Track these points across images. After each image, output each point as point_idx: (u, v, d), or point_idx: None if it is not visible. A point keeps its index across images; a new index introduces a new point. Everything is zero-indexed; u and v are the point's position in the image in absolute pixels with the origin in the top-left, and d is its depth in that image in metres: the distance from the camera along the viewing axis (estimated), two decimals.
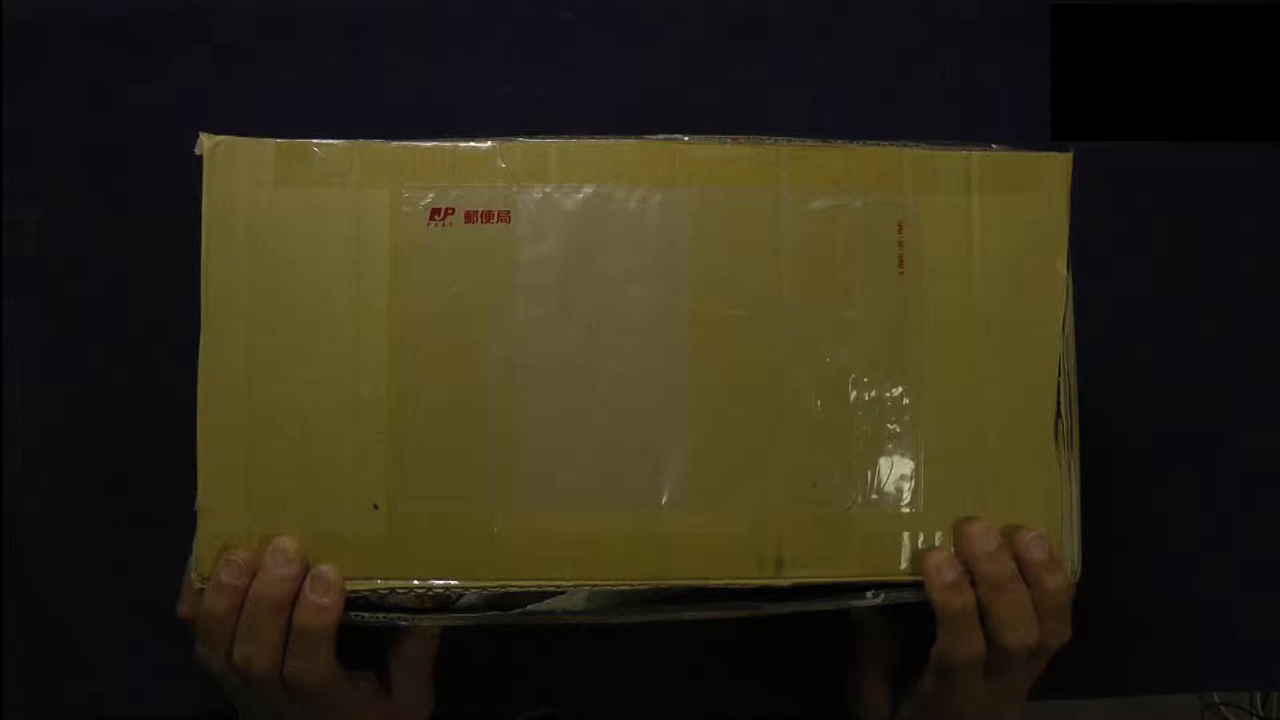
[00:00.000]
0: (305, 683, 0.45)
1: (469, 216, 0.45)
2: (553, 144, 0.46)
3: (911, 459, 0.46)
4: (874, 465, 0.46)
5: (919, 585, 0.45)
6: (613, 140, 0.46)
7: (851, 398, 0.46)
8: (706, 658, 0.61)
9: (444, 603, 0.46)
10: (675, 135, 0.46)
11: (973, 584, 0.45)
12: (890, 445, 0.46)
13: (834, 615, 0.47)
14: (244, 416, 0.45)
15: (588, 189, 0.45)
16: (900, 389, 0.46)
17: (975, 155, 0.47)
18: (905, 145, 0.47)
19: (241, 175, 0.45)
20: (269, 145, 0.45)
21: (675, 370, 0.45)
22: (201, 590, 0.44)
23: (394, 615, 0.45)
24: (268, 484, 0.45)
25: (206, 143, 0.45)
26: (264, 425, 0.45)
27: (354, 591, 0.44)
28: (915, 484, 0.46)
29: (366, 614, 0.45)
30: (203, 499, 0.45)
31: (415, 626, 0.46)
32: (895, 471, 0.46)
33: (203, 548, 0.45)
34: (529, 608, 0.46)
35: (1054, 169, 0.47)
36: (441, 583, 0.45)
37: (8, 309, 0.58)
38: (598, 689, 0.60)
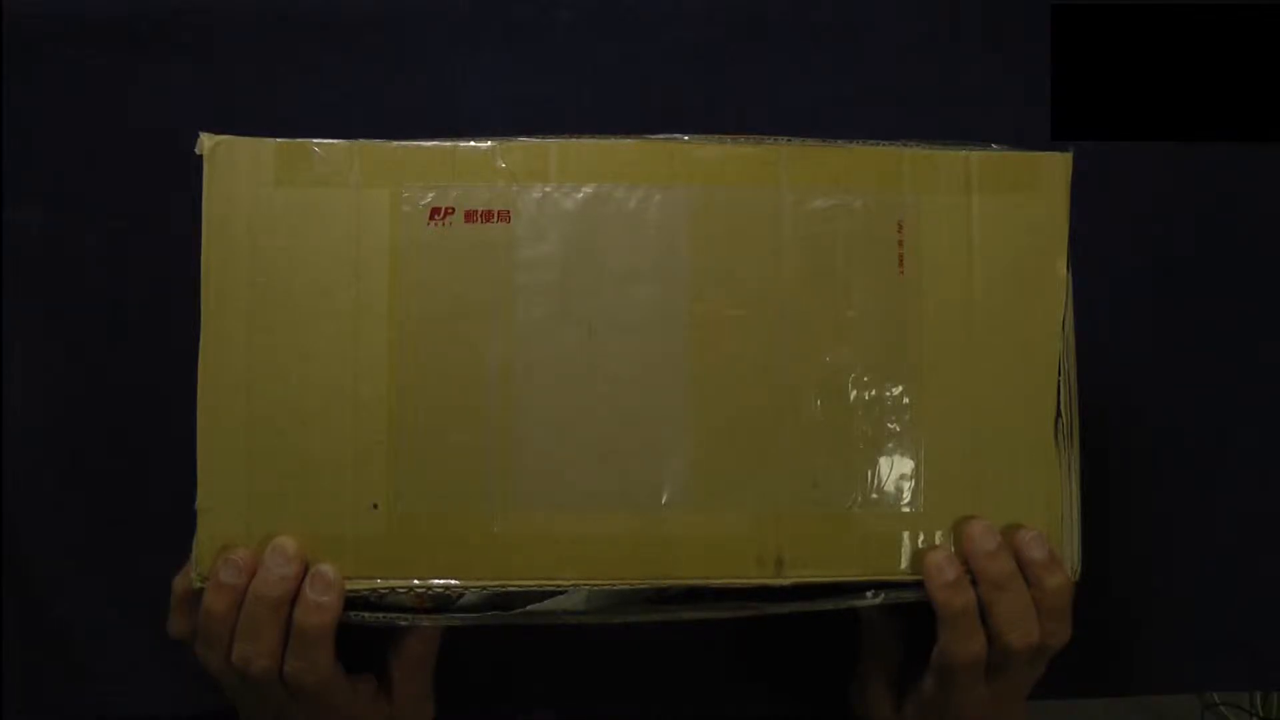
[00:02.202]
0: (305, 682, 0.44)
1: (469, 216, 0.45)
2: (553, 144, 0.46)
3: (912, 458, 0.46)
4: (874, 465, 0.46)
5: (919, 585, 0.45)
6: (613, 140, 0.46)
7: (851, 397, 0.46)
8: (706, 658, 0.61)
9: (444, 603, 0.46)
10: (675, 135, 0.46)
11: (973, 583, 0.45)
12: (890, 445, 0.46)
13: (835, 615, 0.47)
14: (243, 416, 0.45)
15: (588, 189, 0.45)
16: (900, 388, 0.46)
17: (975, 155, 0.47)
18: (905, 145, 0.47)
19: (241, 175, 0.45)
20: (269, 145, 0.45)
21: (675, 370, 0.45)
22: (201, 589, 0.44)
23: (394, 615, 0.45)
24: (267, 484, 0.45)
25: (207, 142, 0.45)
26: (264, 425, 0.45)
27: (354, 591, 0.44)
28: (915, 483, 0.46)
29: (366, 614, 0.45)
30: (202, 499, 0.45)
31: (415, 626, 0.46)
32: (895, 471, 0.46)
33: (202, 548, 0.45)
34: (529, 608, 0.45)
35: (1053, 168, 0.47)
36: (441, 582, 0.45)
37: (8, 309, 0.58)
38: (597, 689, 0.60)
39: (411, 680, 0.50)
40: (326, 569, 0.44)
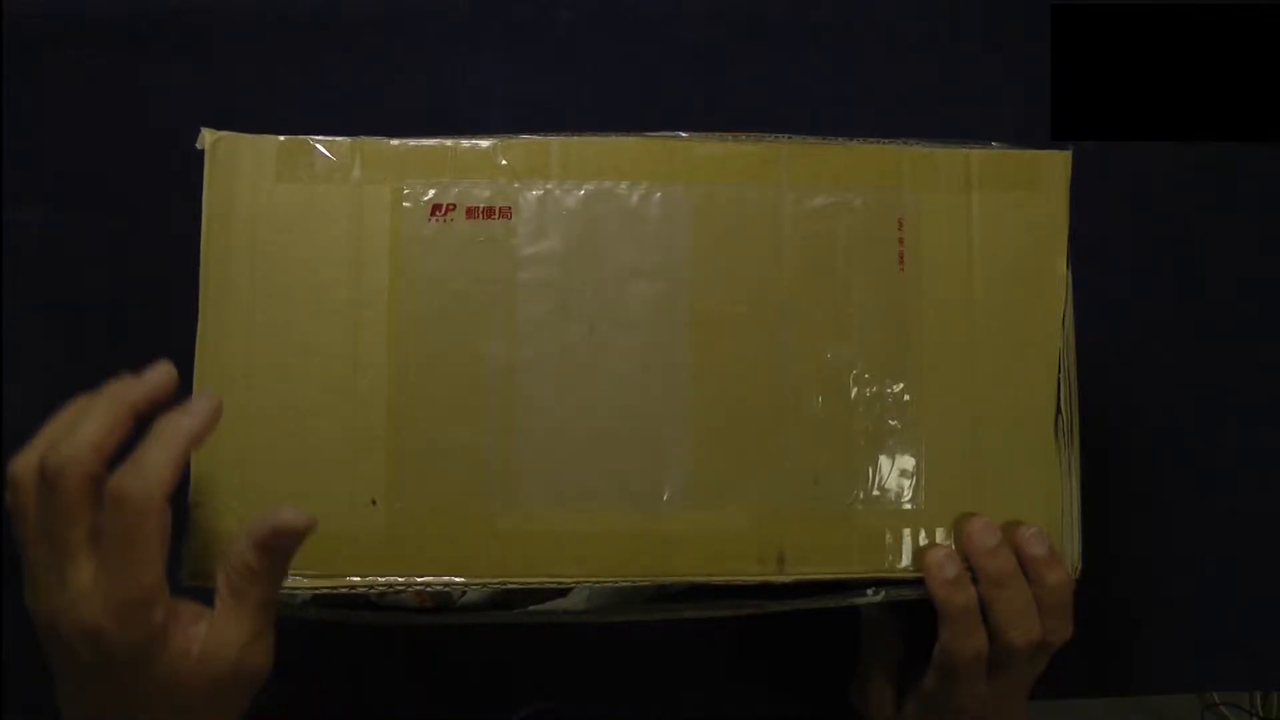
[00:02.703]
0: (129, 490, 0.35)
1: (470, 213, 0.45)
2: (554, 141, 0.46)
3: (912, 455, 0.46)
4: (875, 462, 0.46)
5: (920, 582, 0.45)
6: (614, 137, 0.46)
7: (852, 394, 0.46)
8: (707, 657, 0.60)
9: (445, 601, 0.46)
10: (676, 133, 0.46)
11: (974, 580, 0.45)
12: (891, 442, 0.46)
13: (835, 614, 0.47)
14: (240, 410, 0.44)
15: (589, 186, 0.45)
16: (900, 386, 0.46)
17: (975, 153, 0.47)
18: (905, 143, 0.47)
19: (243, 171, 0.45)
20: (271, 141, 0.45)
21: (676, 367, 0.45)
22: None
23: (394, 614, 0.45)
24: (263, 478, 0.44)
25: (208, 138, 0.45)
26: (260, 419, 0.44)
27: (352, 589, 0.44)
28: (916, 480, 0.46)
29: (367, 613, 0.45)
30: (195, 493, 0.44)
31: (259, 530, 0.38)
32: (896, 468, 0.46)
33: (194, 544, 0.44)
34: (530, 608, 0.45)
35: (1053, 166, 0.47)
36: (442, 580, 0.44)
37: (8, 309, 0.58)
38: (597, 688, 0.60)
39: (240, 603, 0.38)
40: (216, 395, 0.40)
